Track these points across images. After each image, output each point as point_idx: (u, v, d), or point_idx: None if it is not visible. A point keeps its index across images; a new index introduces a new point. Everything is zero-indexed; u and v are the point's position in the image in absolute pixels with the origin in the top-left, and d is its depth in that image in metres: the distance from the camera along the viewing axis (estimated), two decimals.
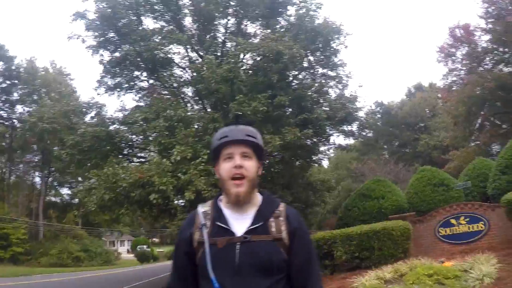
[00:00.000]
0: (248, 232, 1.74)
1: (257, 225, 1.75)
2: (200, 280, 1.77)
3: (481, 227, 11.37)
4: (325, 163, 34.18)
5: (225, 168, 1.79)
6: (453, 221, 11.80)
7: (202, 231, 1.76)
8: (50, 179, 45.77)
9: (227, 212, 1.81)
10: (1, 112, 41.29)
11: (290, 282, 1.80)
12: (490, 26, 24.52)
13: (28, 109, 39.64)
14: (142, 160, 15.48)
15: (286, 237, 1.78)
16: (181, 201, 12.27)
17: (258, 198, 1.86)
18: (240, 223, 1.77)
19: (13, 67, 40.25)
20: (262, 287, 1.68)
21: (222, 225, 1.76)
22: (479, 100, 25.10)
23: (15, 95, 41.53)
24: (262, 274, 1.69)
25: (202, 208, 1.86)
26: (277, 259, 1.73)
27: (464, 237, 11.59)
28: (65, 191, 49.05)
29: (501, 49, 24.39)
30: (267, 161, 12.82)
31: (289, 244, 1.78)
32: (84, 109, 16.25)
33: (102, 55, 16.44)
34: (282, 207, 1.86)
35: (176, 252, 1.90)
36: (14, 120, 41.39)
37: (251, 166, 1.80)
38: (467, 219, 11.60)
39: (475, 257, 8.50)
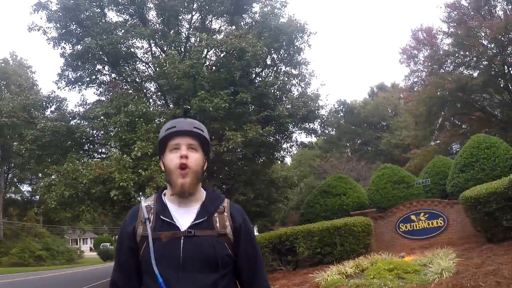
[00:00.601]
0: (192, 226, 1.74)
1: (201, 220, 1.76)
2: (144, 276, 1.76)
3: (440, 223, 11.73)
4: (288, 160, 34.52)
5: (171, 158, 1.79)
6: (413, 217, 12.13)
7: (146, 225, 1.75)
8: (9, 175, 44.38)
9: (171, 206, 1.81)
10: None
11: (236, 277, 1.85)
12: (452, 30, 25.19)
13: None
14: (103, 156, 15.21)
15: (231, 233, 1.80)
16: (142, 197, 12.14)
17: (202, 193, 1.88)
18: (184, 218, 1.77)
19: None
20: (207, 282, 1.69)
21: (166, 219, 1.76)
22: (440, 100, 25.75)
23: None
24: (207, 269, 1.70)
25: (145, 202, 1.86)
26: (221, 254, 1.74)
27: (424, 233, 11.94)
28: (25, 187, 47.67)
29: (462, 53, 25.05)
30: (229, 158, 12.81)
31: (234, 240, 1.81)
32: (45, 103, 15.81)
33: (63, 47, 16.08)
34: (226, 202, 1.88)
35: (119, 247, 1.86)
36: None
37: (196, 158, 1.81)
38: (427, 215, 11.95)
39: (434, 252, 8.63)
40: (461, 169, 11.89)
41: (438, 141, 30.96)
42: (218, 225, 1.79)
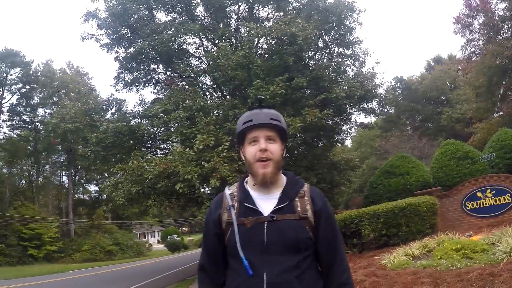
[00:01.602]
0: (275, 211, 1.78)
1: (283, 205, 1.80)
2: (229, 259, 1.84)
3: (508, 199, 11.20)
4: (348, 142, 34.06)
5: (250, 151, 1.83)
6: (479, 194, 11.67)
7: (230, 212, 1.81)
8: (77, 177, 46.74)
9: (253, 193, 1.86)
10: (24, 116, 42.17)
11: (317, 259, 1.88)
12: None
13: (49, 111, 40.55)
14: (166, 151, 15.63)
15: (312, 216, 1.83)
16: (207, 189, 12.39)
17: (283, 179, 1.91)
18: (266, 204, 1.82)
19: (31, 72, 40.92)
20: (290, 264, 1.74)
21: (250, 206, 1.81)
22: (500, 70, 24.49)
23: (35, 99, 42.38)
24: (289, 252, 1.75)
25: (228, 190, 1.92)
26: (303, 237, 1.78)
27: (491, 210, 11.45)
28: (92, 188, 50.04)
29: None
30: (290, 143, 12.78)
31: (315, 224, 1.83)
32: (105, 106, 16.43)
33: (117, 51, 16.68)
34: (306, 187, 1.91)
35: (206, 233, 1.96)
36: (37, 123, 42.26)
37: (276, 149, 1.83)
38: (494, 192, 11.45)
39: (502, 230, 8.30)
40: None
41: (501, 113, 29.50)
42: (299, 209, 1.82)
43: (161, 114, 13.06)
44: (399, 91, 41.37)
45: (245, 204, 1.82)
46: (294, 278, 1.73)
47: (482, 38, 26.60)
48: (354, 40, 15.93)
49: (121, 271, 21.62)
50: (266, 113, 1.86)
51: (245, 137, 1.87)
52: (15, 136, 42.19)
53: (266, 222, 1.76)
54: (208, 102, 13.10)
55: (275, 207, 1.79)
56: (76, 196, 47.82)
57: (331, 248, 1.88)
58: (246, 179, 1.95)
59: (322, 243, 1.85)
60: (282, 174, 1.92)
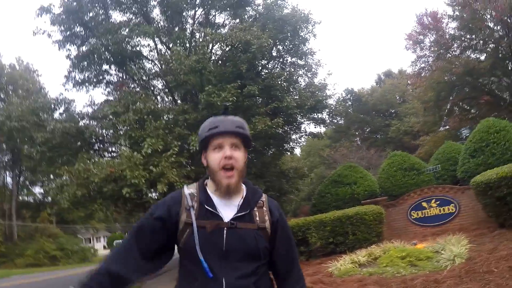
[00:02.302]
0: (235, 219, 1.80)
1: (243, 213, 1.82)
2: (184, 261, 1.83)
3: (452, 209, 11.62)
4: (297, 151, 34.40)
5: (215, 158, 1.83)
6: (424, 204, 12.05)
7: (190, 213, 1.79)
8: (21, 178, 44.74)
9: (214, 198, 1.86)
10: None
11: (271, 268, 1.93)
12: (457, 13, 24.86)
13: None
14: (114, 154, 15.32)
15: (269, 227, 1.87)
16: (154, 194, 12.22)
17: (242, 187, 1.93)
18: (226, 210, 1.82)
19: None
20: (248, 271, 1.76)
21: (210, 209, 1.81)
22: (448, 85, 25.51)
23: None
24: (248, 260, 1.78)
25: (188, 190, 1.89)
26: (262, 246, 1.82)
27: (436, 220, 11.84)
28: (37, 190, 47.99)
29: (468, 36, 24.79)
30: None
31: (271, 234, 1.87)
32: (53, 105, 15.86)
33: (69, 49, 16.16)
34: (264, 197, 1.95)
35: (144, 226, 1.84)
36: None
37: (240, 156, 1.85)
38: (438, 202, 11.85)
39: (446, 239, 8.63)
40: (471, 154, 11.72)
41: (447, 127, 30.72)
42: (257, 219, 1.85)
43: (111, 116, 12.79)
44: (349, 103, 42.31)
45: (206, 207, 1.81)
46: (252, 284, 1.76)
47: (432, 54, 27.62)
48: (307, 51, 16.19)
49: (66, 277, 20.87)
50: (231, 120, 1.87)
51: (209, 143, 1.86)
52: None
53: (226, 228, 1.77)
54: (159, 106, 12.95)
55: (235, 214, 1.81)
56: (20, 198, 45.77)
57: (288, 258, 1.94)
58: (206, 181, 1.94)
59: (279, 253, 1.91)
60: (241, 183, 1.93)
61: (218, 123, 1.85)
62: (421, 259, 7.51)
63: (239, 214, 1.82)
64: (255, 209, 1.87)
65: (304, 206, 25.31)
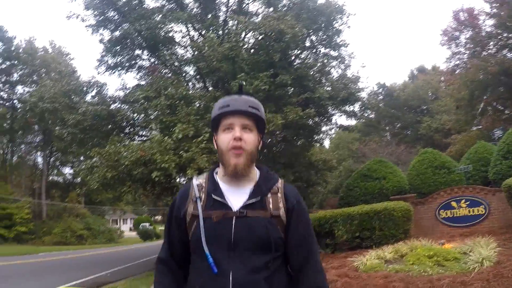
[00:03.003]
0: (245, 207, 1.68)
1: (254, 200, 1.70)
2: (193, 256, 1.73)
3: (482, 211, 11.36)
4: (327, 143, 34.19)
5: (224, 139, 1.72)
6: (453, 204, 11.78)
7: (197, 204, 1.70)
8: (52, 159, 45.87)
9: (223, 185, 1.75)
10: (1, 93, 41.17)
11: (287, 261, 1.77)
12: (494, 10, 24.23)
13: (28, 89, 39.57)
14: (144, 138, 15.49)
15: (284, 214, 1.72)
16: (183, 179, 12.29)
17: (256, 173, 1.81)
18: (236, 198, 1.71)
19: (13, 48, 39.94)
20: (258, 264, 1.63)
21: (218, 198, 1.70)
22: (482, 84, 24.95)
23: (15, 76, 41.33)
24: (258, 251, 1.64)
25: (196, 181, 1.80)
26: (274, 236, 1.67)
27: (464, 220, 11.59)
28: (67, 170, 49.24)
29: (505, 35, 24.11)
30: (269, 139, 12.77)
31: (286, 222, 1.73)
32: (85, 88, 16.14)
33: (102, 34, 16.39)
34: (280, 183, 1.81)
35: (168, 225, 1.84)
36: (15, 101, 41.33)
37: (251, 139, 1.73)
38: (468, 203, 11.58)
39: (474, 241, 8.45)
40: (504, 155, 11.48)
41: (480, 127, 30.07)
42: (271, 206, 1.71)
43: (142, 101, 12.89)
44: (381, 97, 41.80)
45: (213, 196, 1.70)
46: (262, 280, 1.62)
47: (467, 52, 27.07)
48: (341, 43, 15.96)
49: (92, 256, 21.36)
50: (245, 100, 1.75)
51: (219, 123, 1.75)
52: None
53: (234, 218, 1.65)
54: (190, 92, 12.94)
55: (245, 202, 1.69)
56: (50, 178, 46.97)
57: (303, 249, 1.76)
58: (217, 169, 1.84)
59: (293, 243, 1.74)
60: (255, 168, 1.81)
61: (230, 101, 1.74)
62: (449, 260, 7.38)
63: (250, 202, 1.69)
64: (269, 195, 1.73)
65: (330, 199, 25.08)
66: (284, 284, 1.72)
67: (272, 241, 1.65)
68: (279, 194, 1.75)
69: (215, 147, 1.80)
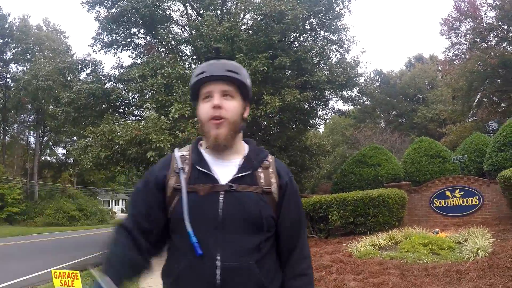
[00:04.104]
0: (234, 180, 1.51)
1: (244, 174, 1.53)
2: (172, 235, 1.55)
3: (476, 202, 11.48)
4: (321, 128, 34.20)
5: (203, 108, 1.54)
6: (448, 193, 11.89)
7: (180, 176, 1.52)
8: (44, 138, 45.62)
9: (208, 158, 1.57)
10: None
11: (277, 242, 1.61)
12: (496, 2, 24.17)
13: (21, 68, 39.16)
14: (138, 118, 15.30)
15: (276, 191, 1.56)
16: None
17: (243, 146, 1.65)
18: (223, 171, 1.54)
19: (6, 26, 39.42)
20: (249, 245, 1.47)
21: (204, 170, 1.52)
22: (480, 76, 24.98)
23: (8, 54, 40.87)
24: (249, 230, 1.48)
25: (179, 152, 1.61)
26: (266, 214, 1.50)
27: (458, 210, 11.71)
28: (60, 150, 49.09)
29: (506, 27, 24.06)
30: (265, 122, 12.63)
31: (278, 200, 1.57)
32: (80, 66, 15.88)
33: (98, 11, 16.10)
34: (271, 158, 1.65)
35: (139, 197, 1.60)
36: (8, 80, 40.86)
37: (232, 106, 1.54)
38: (462, 193, 11.69)
39: (469, 230, 8.53)
40: (499, 148, 11.57)
41: (475, 118, 30.19)
42: (262, 181, 1.55)
43: (138, 79, 12.68)
44: (377, 84, 41.72)
45: (198, 168, 1.53)
46: (254, 263, 1.46)
47: (467, 42, 27.00)
48: (341, 27, 15.76)
49: (84, 237, 21.31)
50: (222, 63, 1.56)
51: (198, 92, 1.58)
52: None
53: (222, 192, 1.48)
54: (187, 71, 12.71)
55: (235, 175, 1.52)
56: (43, 158, 46.76)
57: (294, 230, 1.62)
58: (200, 142, 1.66)
59: (284, 223, 1.59)
60: (243, 142, 1.66)
61: (206, 67, 1.56)
62: (443, 248, 7.43)
63: (239, 175, 1.52)
64: (260, 170, 1.57)
65: (323, 184, 25.10)
66: (274, 268, 1.57)
67: (263, 219, 1.49)
68: (270, 169, 1.60)
69: (198, 118, 1.62)
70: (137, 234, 1.53)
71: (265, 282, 1.48)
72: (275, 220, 1.56)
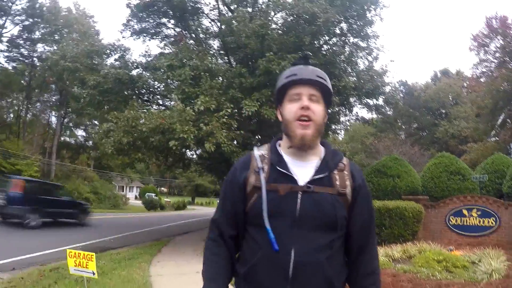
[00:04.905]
0: (312, 181, 1.60)
1: (321, 176, 1.62)
2: (249, 228, 1.66)
3: (492, 223, 11.40)
4: (341, 135, 34.04)
5: (290, 108, 1.65)
6: (465, 211, 11.83)
7: (260, 175, 1.62)
8: (66, 119, 46.22)
9: (287, 158, 1.67)
10: (22, 49, 41.29)
11: (347, 242, 1.71)
12: None
13: (48, 48, 39.69)
14: (162, 108, 15.35)
15: (350, 193, 1.66)
16: (198, 151, 12.18)
17: (320, 148, 1.74)
18: (302, 171, 1.63)
19: (37, 6, 40.01)
20: (323, 242, 1.56)
21: (283, 171, 1.61)
22: (507, 95, 24.58)
23: (37, 34, 41.45)
24: (323, 229, 1.57)
25: (258, 151, 1.73)
26: (340, 214, 1.60)
27: (474, 230, 11.64)
28: (80, 132, 49.67)
29: None
30: None
31: (351, 202, 1.66)
32: (109, 51, 16.01)
33: None
34: (345, 161, 1.73)
35: (224, 196, 1.76)
36: (35, 59, 41.47)
37: (319, 110, 1.65)
38: (479, 213, 11.62)
39: (484, 251, 8.53)
40: None
41: (497, 138, 29.74)
42: (338, 183, 1.64)
43: (165, 69, 12.72)
44: (401, 95, 41.41)
45: (278, 168, 1.62)
46: (325, 260, 1.56)
47: (496, 60, 26.61)
48: (371, 34, 15.61)
49: (97, 220, 21.49)
50: (312, 69, 1.69)
51: (285, 93, 1.68)
52: (10, 68, 41.42)
53: (300, 192, 1.57)
54: (214, 66, 12.72)
55: (312, 176, 1.61)
56: (62, 138, 47.39)
57: (365, 230, 1.72)
58: (279, 141, 1.76)
59: (355, 224, 1.68)
60: (319, 144, 1.75)
61: (297, 71, 1.68)
62: (457, 267, 7.42)
63: (317, 177, 1.60)
64: (335, 172, 1.65)
65: None
66: (342, 265, 1.67)
67: (338, 220, 1.60)
68: (345, 172, 1.69)
69: (279, 118, 1.74)
70: (230, 242, 1.72)
71: (332, 277, 1.58)
72: (347, 220, 1.65)
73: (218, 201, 1.85)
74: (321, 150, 1.72)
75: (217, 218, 1.75)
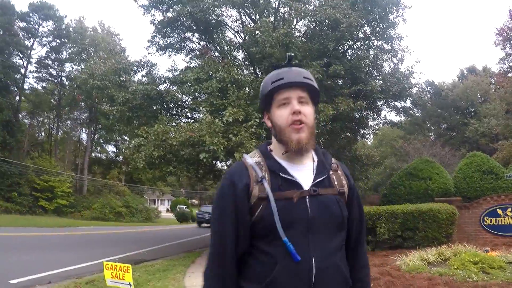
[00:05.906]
0: (315, 184, 1.56)
1: (323, 177, 1.59)
2: (258, 243, 1.54)
3: None
4: (369, 139, 33.74)
5: (281, 114, 1.57)
6: (499, 211, 11.57)
7: (263, 185, 1.53)
8: (96, 136, 47.28)
9: (284, 163, 1.60)
10: (51, 70, 42.59)
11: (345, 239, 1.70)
12: None
13: (76, 67, 40.89)
14: (191, 120, 15.57)
15: (347, 192, 1.65)
16: (229, 162, 12.28)
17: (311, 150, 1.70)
18: (301, 175, 1.58)
19: (63, 27, 41.22)
20: (334, 244, 1.54)
21: (287, 177, 1.55)
22: None
23: (64, 54, 42.73)
24: (334, 231, 1.55)
25: (251, 159, 1.62)
26: (345, 214, 1.60)
27: (509, 229, 11.37)
28: (110, 148, 50.70)
29: None
30: (317, 130, 12.56)
31: (347, 200, 1.65)
32: (135, 68, 16.37)
33: (153, 15, 16.45)
34: (334, 160, 1.72)
35: (225, 213, 1.56)
36: (63, 78, 42.68)
37: (309, 111, 1.59)
38: None
39: None
40: None
41: None
42: (336, 183, 1.62)
43: (192, 82, 12.93)
44: (428, 96, 40.72)
45: (282, 175, 1.55)
46: (339, 261, 1.55)
47: None
48: (395, 36, 15.50)
49: (130, 233, 21.87)
50: (297, 71, 1.62)
51: (272, 99, 1.61)
52: (40, 88, 42.74)
53: (308, 197, 1.52)
54: (240, 77, 12.84)
55: (315, 179, 1.57)
56: (93, 154, 48.47)
57: (359, 227, 1.72)
58: (269, 147, 1.68)
59: (353, 220, 1.68)
60: None
61: (283, 74, 1.59)
62: (494, 268, 7.25)
63: (319, 179, 1.57)
64: (331, 172, 1.64)
65: (369, 196, 24.70)
66: (346, 262, 1.65)
67: (344, 219, 1.59)
68: (339, 171, 1.68)
69: (268, 125, 1.67)
70: (232, 266, 1.55)
71: (347, 276, 1.60)
72: (348, 219, 1.64)
73: (210, 240, 1.63)
74: (311, 152, 1.67)
75: (215, 267, 1.57)
